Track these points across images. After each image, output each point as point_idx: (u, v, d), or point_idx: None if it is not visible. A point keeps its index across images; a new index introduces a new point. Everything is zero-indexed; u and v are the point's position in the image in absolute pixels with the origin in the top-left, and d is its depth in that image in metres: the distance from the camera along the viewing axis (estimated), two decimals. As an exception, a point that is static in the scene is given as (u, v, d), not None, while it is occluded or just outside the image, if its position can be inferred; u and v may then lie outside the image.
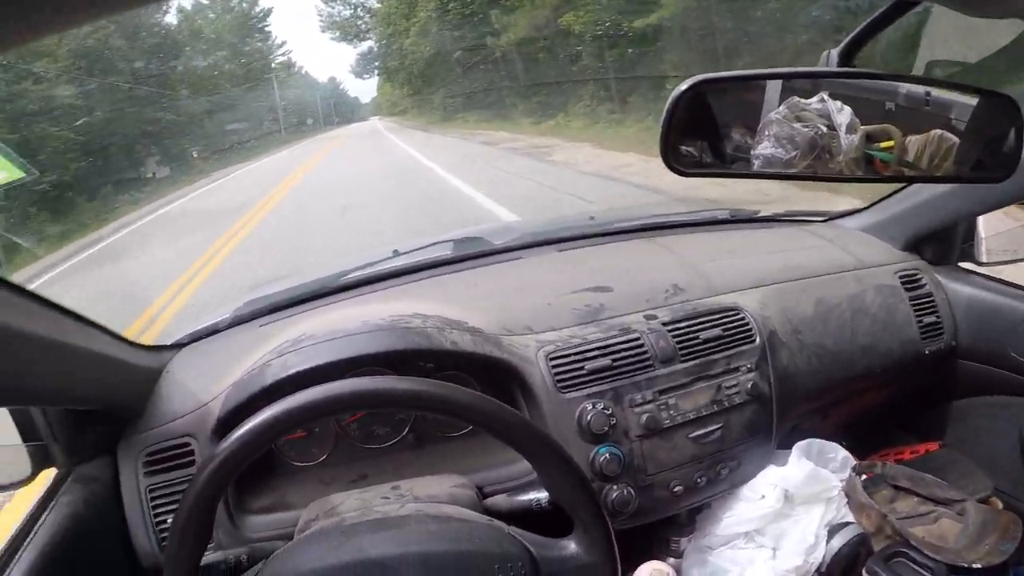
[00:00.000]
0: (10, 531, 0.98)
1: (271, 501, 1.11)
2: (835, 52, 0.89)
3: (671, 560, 1.25)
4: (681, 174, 0.98)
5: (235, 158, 27.42)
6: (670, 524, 1.26)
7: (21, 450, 1.02)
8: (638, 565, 1.16)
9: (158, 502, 1.07)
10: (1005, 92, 0.87)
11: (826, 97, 0.90)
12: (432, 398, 0.77)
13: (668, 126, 0.93)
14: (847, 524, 1.23)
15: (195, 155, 24.78)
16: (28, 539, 0.93)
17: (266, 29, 43.11)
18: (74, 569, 0.97)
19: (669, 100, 0.93)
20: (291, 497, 1.11)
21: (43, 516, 0.98)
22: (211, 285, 6.26)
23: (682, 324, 1.20)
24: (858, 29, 0.82)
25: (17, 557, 0.91)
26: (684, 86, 0.91)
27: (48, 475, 1.08)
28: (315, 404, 0.75)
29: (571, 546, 0.82)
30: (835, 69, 0.89)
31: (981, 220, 1.51)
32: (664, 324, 1.20)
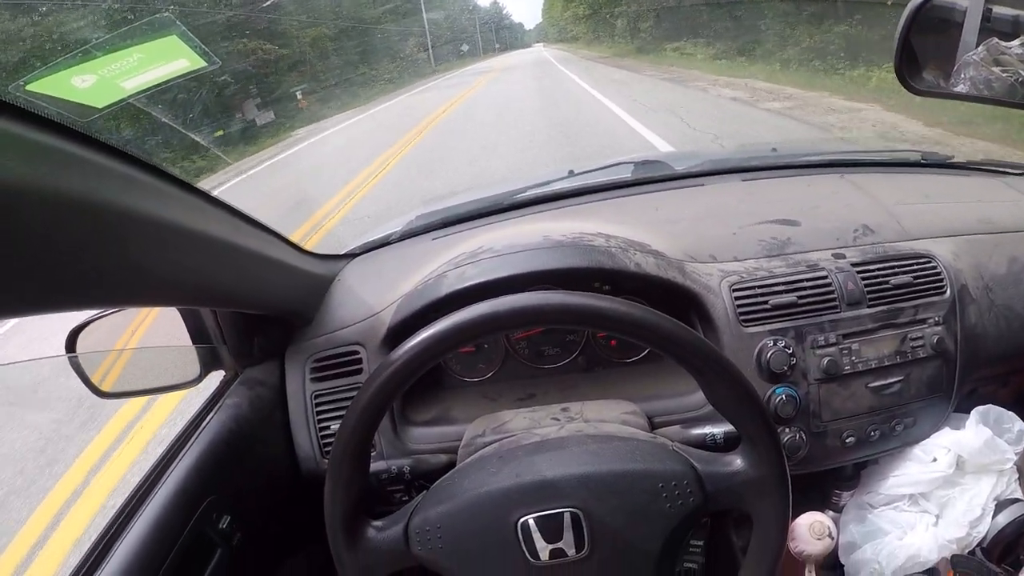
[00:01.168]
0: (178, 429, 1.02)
1: (435, 414, 1.11)
2: None
3: (830, 513, 1.21)
4: (914, 92, 0.91)
5: (353, 100, 24.00)
6: (834, 476, 1.22)
7: (191, 351, 1.05)
8: (797, 515, 1.13)
9: (323, 408, 1.08)
10: None
11: None
12: (610, 316, 0.72)
13: (904, 39, 0.86)
14: (1016, 501, 1.16)
15: (299, 96, 21.01)
16: (195, 437, 0.95)
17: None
18: (237, 468, 0.98)
19: (906, 12, 0.86)
20: (455, 411, 1.11)
21: (210, 415, 1.00)
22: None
23: (872, 267, 1.13)
24: None
25: (183, 453, 0.92)
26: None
27: (217, 376, 1.11)
28: (493, 318, 0.71)
29: (737, 461, 0.78)
30: None
31: None
32: (853, 264, 1.13)
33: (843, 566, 1.16)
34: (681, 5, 20.38)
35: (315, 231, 5.88)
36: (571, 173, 1.53)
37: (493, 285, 1.02)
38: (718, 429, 0.95)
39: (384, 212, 5.98)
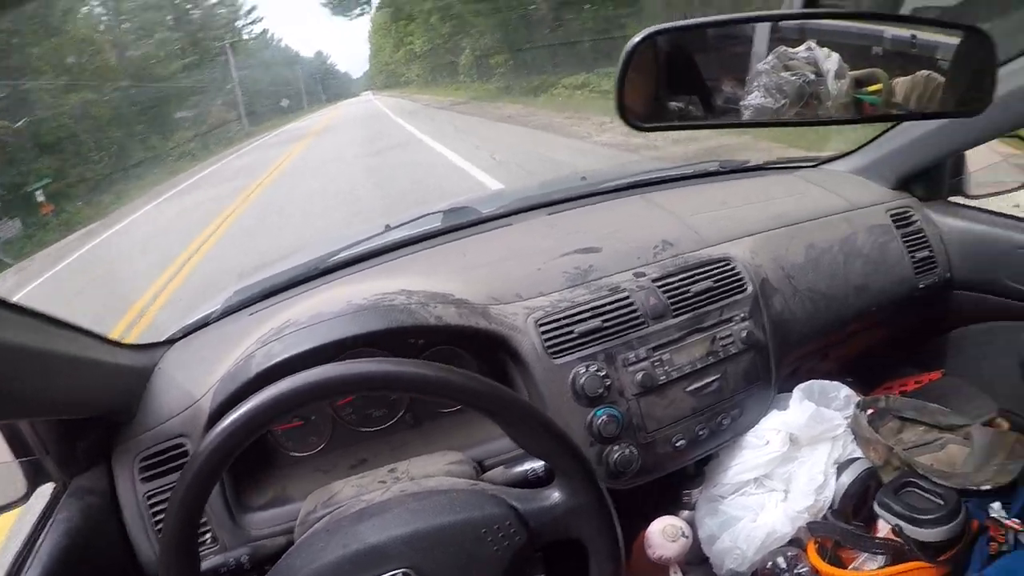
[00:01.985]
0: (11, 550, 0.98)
1: (272, 495, 1.12)
2: None
3: (685, 513, 1.30)
4: (637, 128, 0.99)
5: (140, 184, 18.68)
6: (679, 478, 1.30)
7: (14, 467, 1.00)
8: (652, 520, 1.19)
9: (158, 508, 1.05)
10: (981, 28, 0.89)
11: (813, 45, 0.93)
12: (389, 377, 0.76)
13: (622, 79, 0.93)
14: (855, 460, 1.28)
15: (39, 199, 14.98)
16: (31, 559, 0.92)
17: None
18: None
19: (623, 53, 0.93)
20: (292, 490, 1.12)
21: (43, 534, 0.96)
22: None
23: (672, 279, 1.23)
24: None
25: None
26: (637, 38, 0.92)
27: (46, 490, 1.06)
28: (289, 394, 0.74)
29: (554, 494, 0.82)
30: (796, 11, 0.92)
31: (968, 155, 1.56)
32: (653, 280, 1.22)
33: (708, 559, 1.25)
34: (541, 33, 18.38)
35: (135, 323, 5.65)
36: (387, 228, 1.56)
37: (299, 359, 1.03)
38: (538, 464, 1.01)
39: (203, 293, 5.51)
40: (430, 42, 29.20)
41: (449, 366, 0.79)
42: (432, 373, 0.77)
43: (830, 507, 1.24)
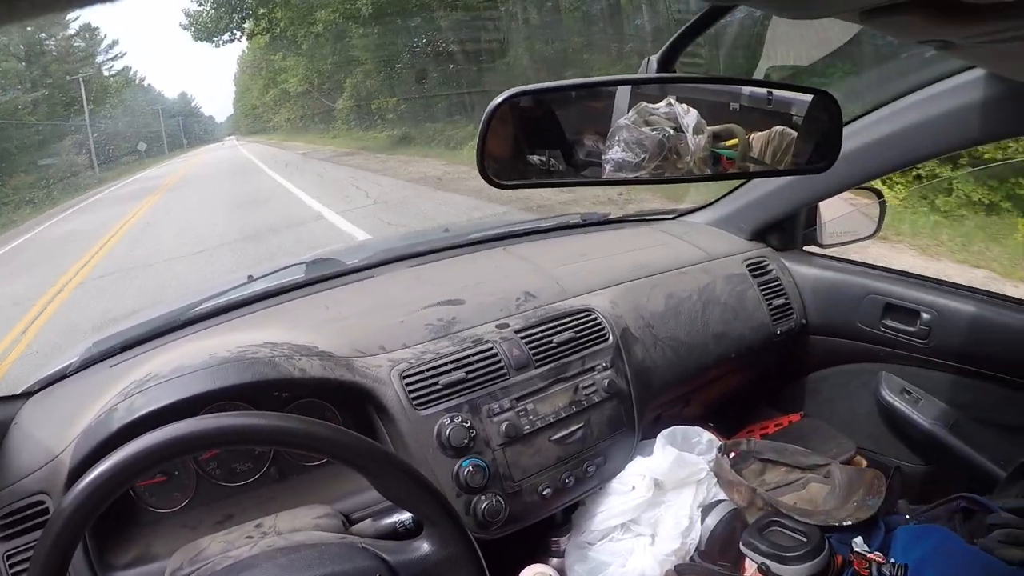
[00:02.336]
0: None
1: (137, 553, 1.09)
2: (654, 58, 0.95)
3: (554, 561, 1.31)
4: (498, 186, 1.03)
5: None
6: (547, 526, 1.31)
7: None
8: (521, 569, 1.22)
9: (18, 569, 1.02)
10: (826, 89, 0.96)
11: (673, 101, 0.97)
12: (235, 430, 0.76)
13: (483, 139, 0.96)
14: (720, 502, 1.33)
15: None
16: None
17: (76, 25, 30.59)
18: None
19: (485, 113, 0.96)
20: (157, 547, 1.09)
21: None
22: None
23: (535, 330, 1.27)
24: (675, 35, 0.87)
25: None
26: (499, 99, 0.94)
27: None
28: (149, 451, 0.73)
29: (424, 545, 0.83)
30: (652, 76, 0.95)
31: (822, 206, 1.68)
32: (516, 332, 1.26)
33: (579, 607, 1.26)
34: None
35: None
36: (250, 278, 1.54)
37: (161, 413, 1.00)
38: (406, 515, 1.01)
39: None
40: (306, 80, 26.25)
41: (312, 419, 0.80)
42: (296, 426, 0.78)
43: (697, 549, 1.27)
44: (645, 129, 0.99)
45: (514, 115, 1.02)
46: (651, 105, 0.97)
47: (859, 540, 1.22)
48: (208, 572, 0.85)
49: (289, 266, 1.59)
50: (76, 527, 0.72)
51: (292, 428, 0.78)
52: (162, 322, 1.37)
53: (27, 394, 1.24)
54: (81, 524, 0.72)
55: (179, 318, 1.37)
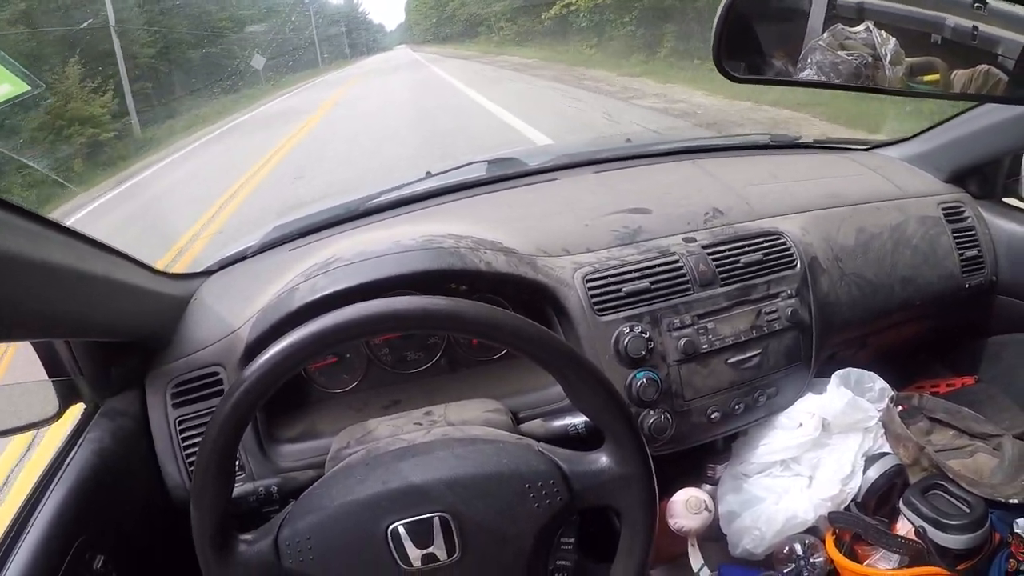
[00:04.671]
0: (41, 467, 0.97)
1: (302, 429, 1.12)
2: None
3: (707, 487, 1.29)
4: (733, 80, 0.97)
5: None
6: (706, 451, 1.30)
7: (48, 386, 1.02)
8: (674, 492, 1.20)
9: (188, 434, 1.08)
10: None
11: (872, 26, 0.91)
12: (458, 317, 0.75)
13: (722, 28, 0.92)
14: (884, 455, 1.26)
15: None
16: (58, 476, 0.94)
17: None
18: (106, 505, 0.98)
19: (722, 4, 0.92)
20: (322, 425, 1.13)
21: (72, 452, 0.98)
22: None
23: (722, 247, 1.22)
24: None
25: (48, 493, 0.91)
26: None
27: (77, 410, 1.08)
28: (340, 327, 0.74)
29: (602, 459, 0.81)
30: None
31: (1027, 155, 1.52)
32: (704, 247, 1.21)
33: (725, 536, 1.24)
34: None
35: (181, 255, 5.69)
36: (428, 174, 1.57)
37: (345, 294, 1.03)
38: (579, 420, 0.99)
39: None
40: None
41: (517, 314, 0.78)
42: (504, 319, 0.76)
43: (854, 499, 1.23)
44: (841, 53, 0.93)
45: (750, 8, 0.98)
46: (848, 28, 0.91)
47: (1022, 521, 1.15)
48: (379, 451, 0.85)
49: (470, 163, 1.60)
50: (256, 397, 0.74)
51: (502, 322, 0.76)
52: (341, 211, 1.40)
53: (207, 272, 1.29)
54: (261, 394, 0.74)
55: (358, 208, 1.40)
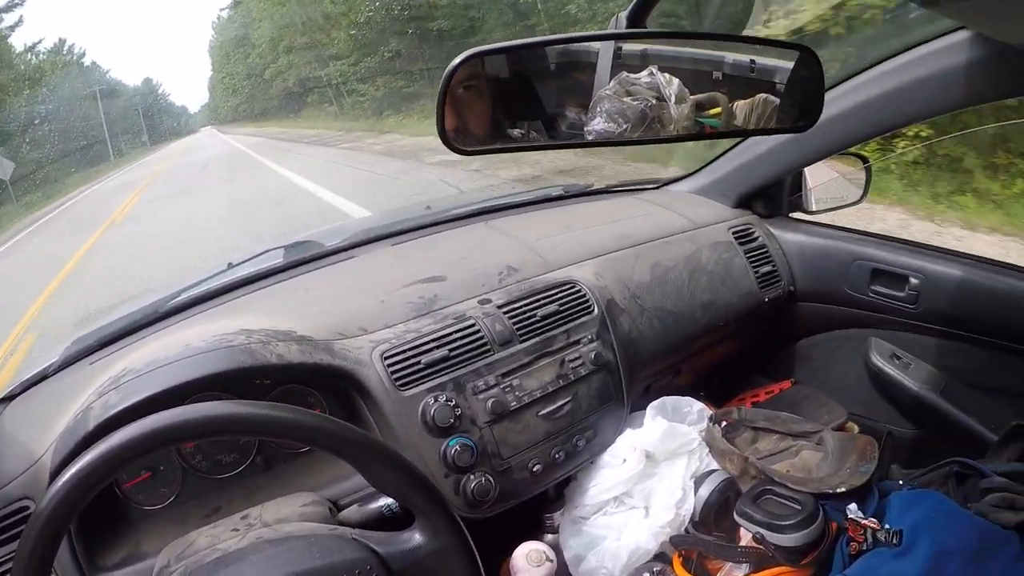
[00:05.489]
0: None
1: (127, 553, 1.08)
2: (624, 15, 0.92)
3: (548, 537, 1.32)
4: (460, 152, 1.00)
5: None
6: (540, 502, 1.32)
7: None
8: (515, 546, 1.23)
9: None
10: (807, 45, 0.96)
11: (655, 70, 0.97)
12: (213, 420, 0.75)
13: (443, 102, 0.93)
14: (712, 472, 1.34)
15: None
16: None
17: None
18: None
19: (444, 75, 0.93)
20: (146, 545, 1.09)
21: None
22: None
23: (518, 304, 1.27)
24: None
25: None
26: (458, 60, 0.92)
27: None
28: (126, 445, 0.72)
29: (416, 536, 0.83)
30: (621, 31, 0.93)
31: (808, 172, 1.68)
32: (499, 307, 1.25)
33: (576, 581, 1.27)
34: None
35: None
36: (230, 265, 1.55)
37: (137, 408, 1.00)
38: (392, 500, 1.00)
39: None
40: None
41: (295, 407, 0.79)
42: (279, 415, 0.77)
43: (691, 519, 1.28)
44: (627, 99, 0.98)
45: (482, 80, 1.02)
46: (632, 75, 0.97)
47: (853, 507, 1.23)
48: (195, 566, 0.85)
49: (268, 251, 1.59)
50: (56, 526, 0.71)
51: (278, 418, 0.77)
52: (140, 316, 1.36)
53: (8, 398, 1.23)
54: (61, 523, 0.71)
55: (157, 310, 1.36)
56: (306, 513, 0.99)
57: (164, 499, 1.17)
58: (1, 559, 1.02)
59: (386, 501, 1.01)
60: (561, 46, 1.06)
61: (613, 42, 1.12)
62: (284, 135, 26.34)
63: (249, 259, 1.55)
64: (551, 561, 1.21)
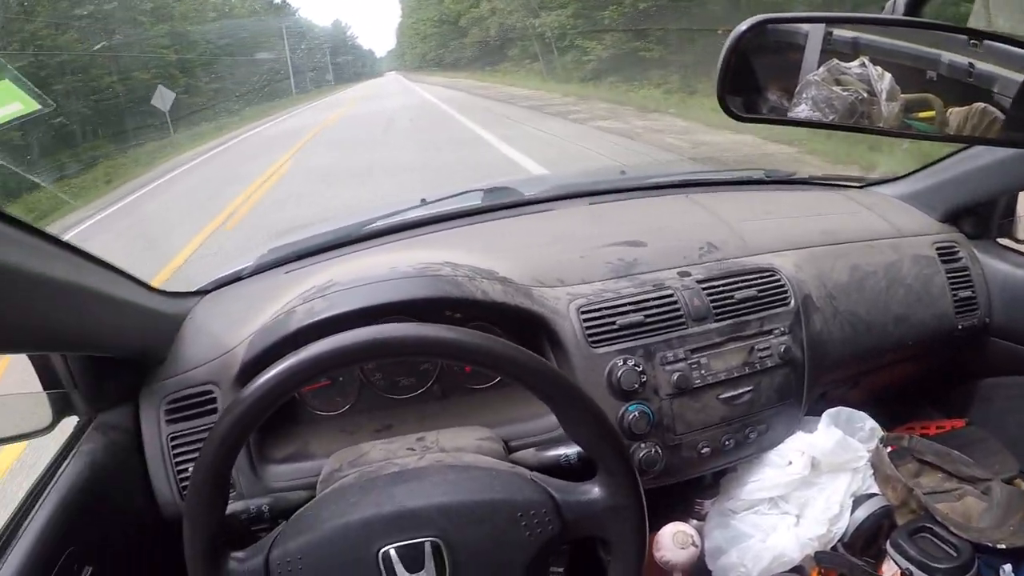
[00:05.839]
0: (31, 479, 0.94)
1: (293, 450, 1.13)
2: (901, 1, 0.88)
3: (694, 522, 1.29)
4: (736, 119, 0.98)
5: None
6: (695, 486, 1.30)
7: (42, 398, 1.03)
8: (661, 526, 1.20)
9: (180, 451, 1.09)
10: None
11: (867, 62, 0.91)
12: (457, 346, 0.77)
13: (727, 67, 0.93)
14: (872, 495, 1.27)
15: None
16: (50, 486, 0.95)
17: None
18: (96, 517, 0.98)
19: (729, 39, 0.92)
20: (313, 447, 1.14)
21: (64, 464, 0.99)
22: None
23: (717, 282, 1.23)
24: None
25: (39, 504, 0.92)
26: (744, 26, 0.91)
27: (69, 423, 1.09)
28: (341, 351, 0.75)
29: (595, 490, 0.82)
30: (901, 17, 0.88)
31: (1022, 196, 1.53)
32: (698, 281, 1.22)
33: (711, 572, 1.24)
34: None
35: (171, 270, 5.80)
36: (423, 202, 1.58)
37: (342, 318, 1.04)
38: (571, 450, 1.00)
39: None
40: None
41: (515, 344, 0.79)
42: (504, 349, 0.77)
43: (841, 539, 1.23)
44: (836, 88, 0.94)
45: (756, 46, 0.98)
46: (843, 64, 0.92)
47: (1008, 568, 1.16)
48: (371, 475, 0.86)
49: (465, 192, 1.62)
50: (251, 420, 0.75)
51: (500, 350, 0.77)
52: (338, 235, 1.42)
53: (201, 292, 1.31)
54: (256, 417, 0.75)
55: (353, 233, 1.42)
56: (482, 447, 1.00)
57: (337, 408, 1.21)
58: (178, 433, 1.09)
59: (564, 451, 1.01)
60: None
61: (823, 25, 1.05)
62: (484, 91, 22.42)
63: (445, 197, 1.58)
64: (695, 546, 1.18)
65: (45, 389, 1.03)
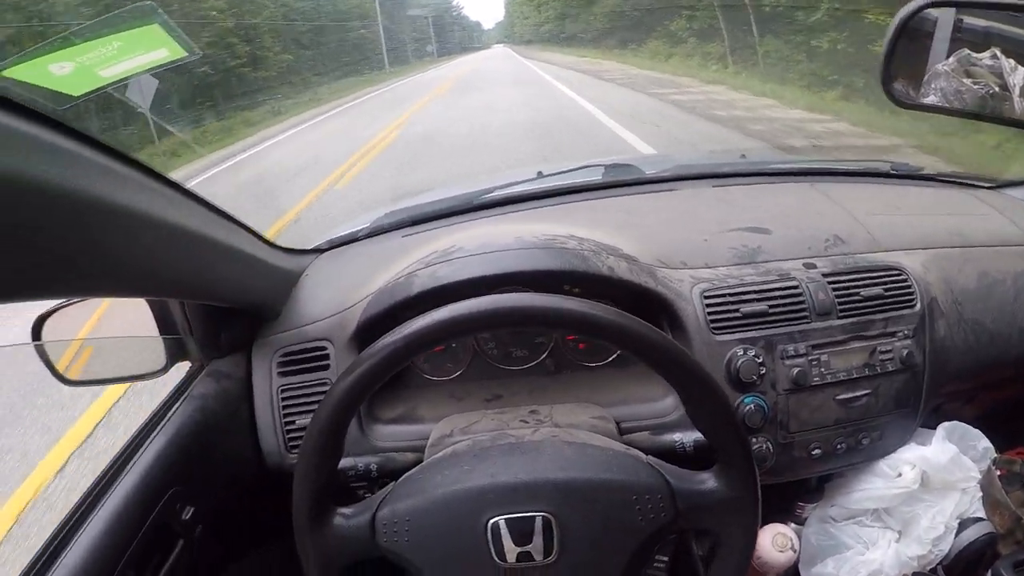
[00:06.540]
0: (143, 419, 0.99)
1: (401, 412, 1.13)
2: None
3: (792, 525, 1.25)
4: (901, 105, 0.94)
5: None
6: (799, 488, 1.26)
7: (158, 342, 1.07)
8: (761, 525, 1.14)
9: (289, 403, 1.11)
10: None
11: (999, 54, 0.88)
12: (594, 321, 0.74)
13: (891, 50, 0.89)
14: (979, 520, 1.21)
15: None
16: (160, 427, 0.98)
17: None
18: (201, 460, 1.01)
19: (895, 21, 0.88)
20: (422, 410, 1.13)
21: (175, 406, 1.03)
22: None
23: (842, 277, 1.17)
24: None
25: (148, 442, 0.94)
26: (911, 7, 0.88)
27: (183, 368, 1.13)
28: (470, 317, 0.73)
29: (711, 480, 0.80)
30: None
31: None
32: (824, 275, 1.16)
33: (803, 578, 1.19)
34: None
35: (285, 226, 6.04)
36: (540, 175, 1.56)
37: (466, 285, 1.04)
38: (687, 437, 0.98)
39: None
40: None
41: (651, 325, 0.76)
42: (635, 327, 0.74)
43: (941, 562, 1.18)
44: (967, 80, 0.91)
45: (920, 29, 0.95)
46: (974, 54, 0.89)
47: None
48: (486, 444, 0.85)
49: (585, 166, 1.60)
50: (378, 375, 0.74)
51: (631, 328, 0.74)
52: (455, 202, 1.43)
53: (317, 250, 1.34)
54: (383, 373, 0.74)
55: (471, 201, 1.42)
56: (597, 426, 0.98)
57: (449, 374, 1.21)
58: (289, 386, 1.12)
59: (679, 437, 0.99)
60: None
61: (954, 11, 0.99)
62: (629, 79, 15.41)
63: (564, 171, 1.57)
64: (794, 551, 1.15)
65: (161, 334, 1.06)
